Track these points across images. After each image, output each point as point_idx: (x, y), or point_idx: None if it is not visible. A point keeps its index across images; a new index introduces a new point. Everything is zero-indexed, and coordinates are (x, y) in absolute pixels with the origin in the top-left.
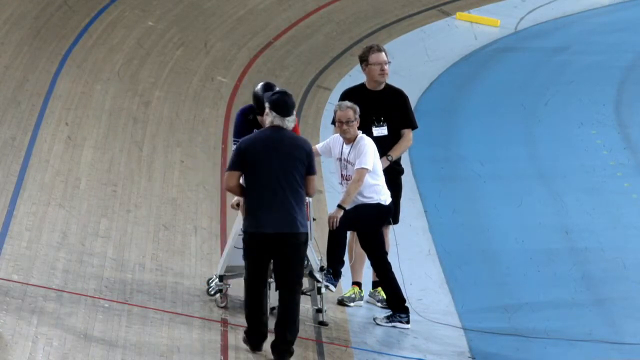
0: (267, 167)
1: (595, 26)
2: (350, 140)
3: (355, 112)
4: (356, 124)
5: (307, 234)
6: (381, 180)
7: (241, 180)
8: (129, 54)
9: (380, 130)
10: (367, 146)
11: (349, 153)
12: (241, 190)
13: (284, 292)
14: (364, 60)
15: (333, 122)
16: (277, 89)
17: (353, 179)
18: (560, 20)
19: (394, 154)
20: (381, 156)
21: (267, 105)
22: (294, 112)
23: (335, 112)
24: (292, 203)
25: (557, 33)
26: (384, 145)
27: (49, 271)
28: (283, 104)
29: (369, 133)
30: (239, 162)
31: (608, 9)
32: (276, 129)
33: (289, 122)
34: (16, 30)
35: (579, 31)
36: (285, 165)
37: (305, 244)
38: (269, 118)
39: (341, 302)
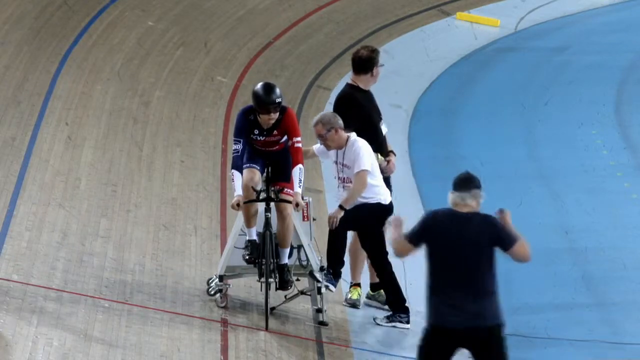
0: (452, 250)
1: (595, 26)
2: (341, 146)
3: (324, 125)
4: (332, 134)
5: (502, 324)
6: (379, 180)
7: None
8: (129, 54)
9: (384, 128)
10: (362, 148)
11: (343, 157)
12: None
13: None
14: (376, 62)
15: None
16: (276, 89)
17: (356, 182)
18: (560, 20)
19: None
20: (387, 154)
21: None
22: (479, 186)
23: None
24: (483, 291)
25: (557, 33)
26: (385, 143)
27: (49, 271)
28: (461, 180)
29: (379, 132)
30: (417, 235)
31: (608, 9)
32: (456, 212)
33: (470, 199)
34: (16, 30)
35: (579, 31)
36: (474, 247)
37: (502, 335)
38: (451, 199)
39: (354, 305)
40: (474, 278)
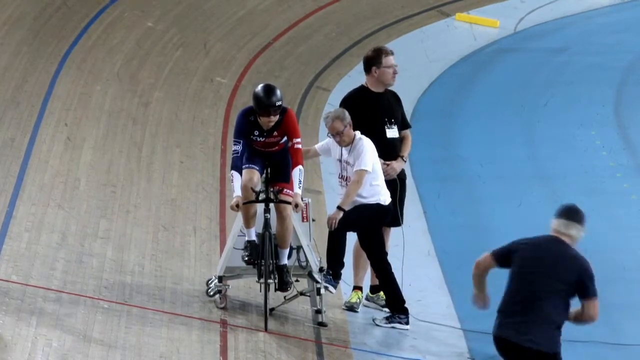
0: (531, 275)
1: (595, 27)
2: (348, 144)
3: (342, 120)
4: (348, 129)
5: (557, 353)
6: (381, 180)
7: None
8: (129, 55)
9: (393, 132)
10: (366, 147)
11: (348, 155)
12: (478, 281)
13: None
14: (376, 62)
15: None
16: (277, 92)
17: (352, 180)
18: (560, 21)
19: (406, 155)
20: (395, 158)
21: (555, 220)
22: (583, 223)
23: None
24: (543, 321)
25: (557, 34)
26: (396, 147)
27: (48, 272)
28: (571, 210)
29: (383, 135)
30: (503, 255)
31: (608, 10)
32: (556, 240)
33: (574, 230)
34: (16, 31)
35: (579, 32)
36: (552, 282)
37: None
38: (555, 224)
39: (351, 308)
40: (546, 305)
